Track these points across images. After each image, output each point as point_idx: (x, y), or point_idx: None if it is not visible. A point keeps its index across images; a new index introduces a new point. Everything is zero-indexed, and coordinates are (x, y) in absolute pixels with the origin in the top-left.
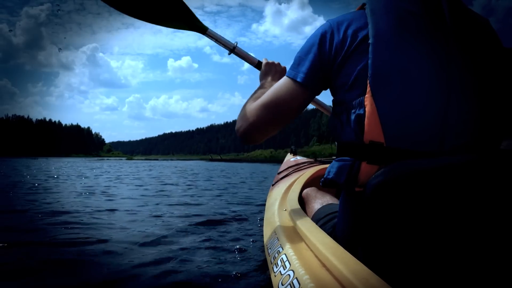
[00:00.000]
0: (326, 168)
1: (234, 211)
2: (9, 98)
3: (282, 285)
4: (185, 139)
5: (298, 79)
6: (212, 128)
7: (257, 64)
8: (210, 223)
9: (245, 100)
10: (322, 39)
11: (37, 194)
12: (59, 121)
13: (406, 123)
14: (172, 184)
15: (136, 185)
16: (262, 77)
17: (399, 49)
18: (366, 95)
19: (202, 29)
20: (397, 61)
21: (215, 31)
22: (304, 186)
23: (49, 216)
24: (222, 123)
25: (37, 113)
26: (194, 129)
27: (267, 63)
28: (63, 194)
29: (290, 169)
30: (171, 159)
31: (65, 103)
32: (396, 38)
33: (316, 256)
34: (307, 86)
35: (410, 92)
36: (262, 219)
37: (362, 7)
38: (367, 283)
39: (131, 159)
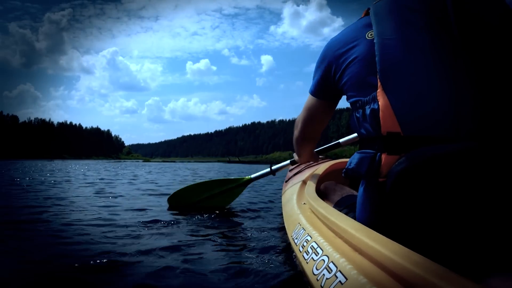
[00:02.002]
0: (339, 162)
1: (243, 209)
2: (32, 102)
3: (317, 269)
4: (204, 142)
5: (310, 92)
6: (230, 131)
7: (292, 161)
8: (221, 220)
9: (263, 102)
10: (324, 59)
11: None
12: (79, 124)
13: (419, 111)
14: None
15: (113, 196)
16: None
17: (404, 44)
18: (378, 90)
19: (250, 181)
20: (402, 54)
21: (255, 174)
22: (320, 181)
23: None
24: (241, 125)
25: (59, 117)
26: (212, 132)
27: (295, 154)
28: None
29: (302, 166)
30: (189, 161)
31: (85, 107)
32: (400, 34)
33: (346, 242)
34: (318, 97)
35: (418, 81)
36: (276, 215)
37: (367, 12)
38: (411, 261)
39: (148, 161)
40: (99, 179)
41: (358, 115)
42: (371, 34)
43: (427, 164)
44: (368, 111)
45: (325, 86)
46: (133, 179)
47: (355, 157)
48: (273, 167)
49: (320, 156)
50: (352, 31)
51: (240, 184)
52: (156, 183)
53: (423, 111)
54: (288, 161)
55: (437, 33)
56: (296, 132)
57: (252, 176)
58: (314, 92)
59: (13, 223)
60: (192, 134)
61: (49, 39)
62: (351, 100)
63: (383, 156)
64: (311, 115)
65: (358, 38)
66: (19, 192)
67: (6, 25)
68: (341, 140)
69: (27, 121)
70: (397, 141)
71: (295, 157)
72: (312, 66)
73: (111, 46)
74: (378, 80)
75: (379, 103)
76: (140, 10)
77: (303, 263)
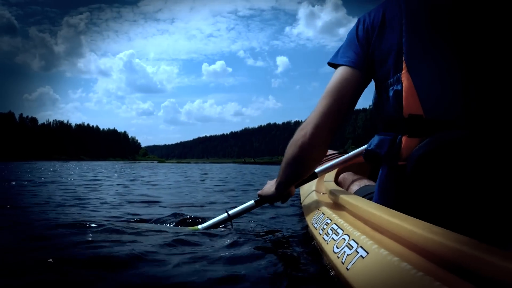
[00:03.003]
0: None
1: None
2: (51, 104)
3: (338, 248)
4: (220, 143)
5: (347, 64)
6: (246, 132)
7: (258, 201)
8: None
9: (278, 103)
10: (358, 28)
11: None
12: (97, 126)
13: (442, 95)
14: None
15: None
16: (277, 187)
17: (430, 26)
18: (403, 71)
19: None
20: (429, 37)
21: (205, 224)
22: (338, 173)
23: None
24: (256, 126)
25: (77, 119)
26: (228, 133)
27: (264, 190)
28: None
29: None
30: (204, 162)
31: (103, 109)
32: (427, 16)
33: (366, 223)
34: (356, 66)
35: (442, 65)
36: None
37: None
38: (433, 232)
39: (163, 162)
40: (92, 180)
41: (381, 97)
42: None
43: (447, 148)
44: (391, 92)
45: (364, 51)
46: (133, 180)
47: (375, 139)
48: (231, 212)
49: (334, 152)
50: (389, 7)
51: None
52: (152, 185)
53: (446, 95)
54: (251, 202)
55: (462, 16)
56: (302, 140)
57: (200, 226)
58: (352, 60)
59: None
60: (207, 135)
61: (68, 43)
62: (380, 79)
63: (404, 139)
64: (339, 99)
65: (392, 15)
66: None
67: (27, 30)
68: (316, 170)
69: (45, 123)
70: (419, 123)
71: (265, 192)
72: (328, 67)
73: (128, 48)
74: (404, 61)
75: (403, 84)
76: (156, 13)
77: (323, 244)
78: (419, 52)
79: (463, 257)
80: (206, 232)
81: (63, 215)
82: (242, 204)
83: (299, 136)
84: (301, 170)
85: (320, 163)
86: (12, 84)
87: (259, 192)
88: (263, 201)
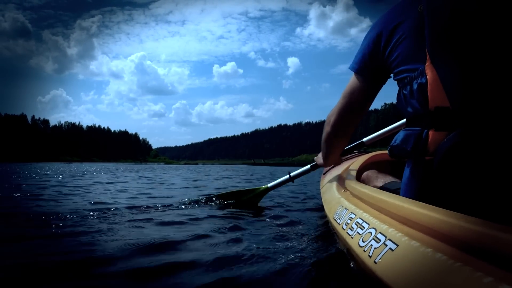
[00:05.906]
0: (379, 154)
1: (276, 202)
2: (64, 106)
3: (364, 242)
4: (230, 144)
5: (354, 70)
6: (257, 133)
7: (313, 166)
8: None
9: (289, 105)
10: (374, 32)
11: None
12: (108, 127)
13: (468, 86)
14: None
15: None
16: (323, 158)
17: (452, 17)
18: (427, 64)
19: (267, 190)
20: (451, 27)
21: (273, 183)
22: (360, 171)
23: None
24: (267, 128)
25: (89, 120)
26: (239, 134)
27: (318, 158)
28: None
29: None
30: (213, 164)
31: (115, 111)
32: (448, 8)
33: (393, 217)
34: (363, 74)
35: (466, 54)
36: (313, 205)
37: None
38: (466, 222)
39: (171, 163)
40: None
41: (405, 92)
42: (422, 7)
43: (475, 139)
44: (415, 86)
45: (373, 60)
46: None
47: (401, 134)
48: (292, 174)
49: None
50: (405, 5)
51: (257, 194)
52: (123, 193)
53: (473, 86)
54: (308, 166)
55: (487, 6)
56: (327, 128)
57: (269, 185)
58: (359, 68)
59: None
60: (218, 137)
61: (80, 45)
62: (399, 76)
63: (431, 133)
64: (351, 101)
65: (409, 12)
66: None
67: (40, 33)
68: (364, 139)
69: (57, 124)
70: (446, 115)
71: (318, 160)
72: (340, 68)
73: (139, 50)
74: (427, 53)
75: (427, 76)
76: (167, 15)
77: (348, 239)
78: (442, 42)
79: (501, 246)
80: (230, 225)
81: None
82: (302, 168)
83: (326, 124)
84: (332, 151)
85: (345, 147)
86: (26, 86)
87: (314, 158)
88: (316, 166)
